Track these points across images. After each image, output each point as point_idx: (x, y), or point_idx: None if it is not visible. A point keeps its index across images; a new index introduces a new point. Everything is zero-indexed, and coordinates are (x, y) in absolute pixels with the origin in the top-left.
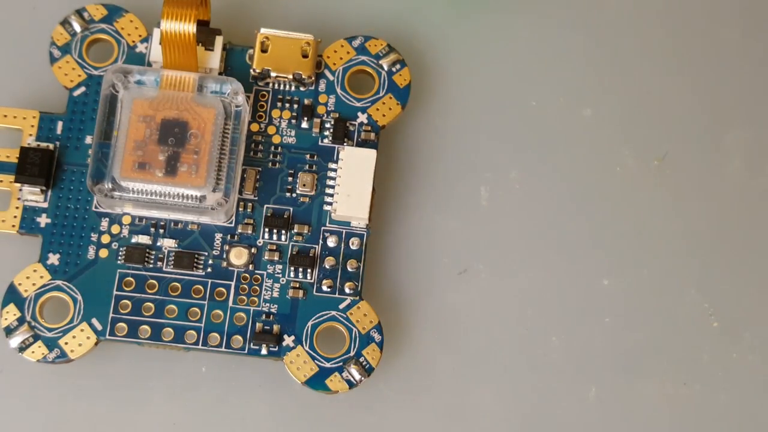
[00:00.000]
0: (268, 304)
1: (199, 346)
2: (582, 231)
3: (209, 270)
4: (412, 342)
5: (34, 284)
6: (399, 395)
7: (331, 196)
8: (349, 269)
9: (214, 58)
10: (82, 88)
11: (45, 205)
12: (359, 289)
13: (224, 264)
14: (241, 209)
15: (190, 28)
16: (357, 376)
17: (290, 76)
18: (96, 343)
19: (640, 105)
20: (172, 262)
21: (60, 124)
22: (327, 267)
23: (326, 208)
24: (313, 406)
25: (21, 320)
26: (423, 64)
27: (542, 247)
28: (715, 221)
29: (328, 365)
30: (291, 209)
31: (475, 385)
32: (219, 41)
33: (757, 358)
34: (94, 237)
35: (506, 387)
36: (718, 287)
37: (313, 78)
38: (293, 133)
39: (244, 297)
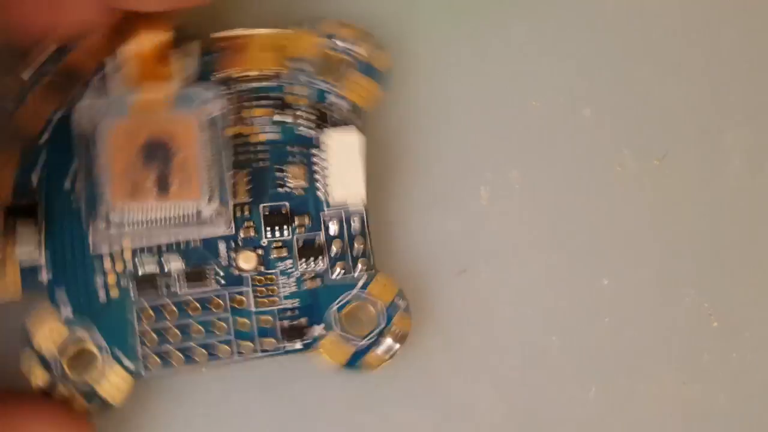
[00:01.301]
0: (288, 300)
1: (235, 358)
2: (582, 231)
3: (222, 281)
4: (411, 342)
5: (54, 342)
6: (399, 395)
7: (324, 183)
8: (357, 247)
9: (182, 68)
10: (47, 135)
11: (42, 261)
12: (372, 263)
13: (235, 272)
14: (238, 214)
15: (152, 42)
16: (393, 345)
17: (258, 73)
18: (133, 383)
19: (640, 105)
20: (185, 283)
21: (35, 176)
22: (335, 251)
23: (321, 195)
24: (312, 405)
25: (53, 381)
26: (423, 63)
27: (542, 247)
28: (715, 221)
29: (362, 343)
30: (287, 203)
31: (475, 385)
32: (188, 49)
33: (757, 358)
34: (100, 280)
35: (506, 387)
36: (718, 287)
37: (283, 70)
38: (273, 128)
39: (264, 299)
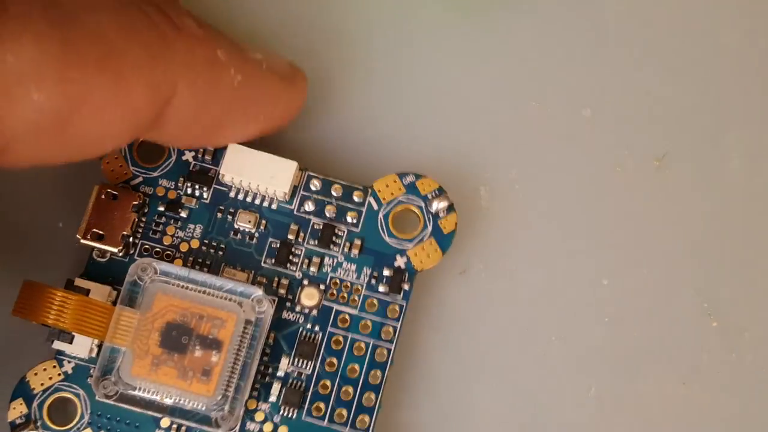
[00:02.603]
0: (362, 276)
1: (394, 346)
2: (582, 231)
3: (320, 329)
4: (411, 342)
5: None
6: (399, 395)
7: (264, 198)
8: (337, 192)
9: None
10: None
11: None
12: (361, 186)
13: (315, 312)
14: (263, 282)
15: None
16: (441, 204)
17: (124, 235)
18: None
19: (640, 105)
20: (307, 363)
21: None
22: (332, 213)
23: (276, 204)
24: None
25: None
26: (423, 63)
27: (542, 247)
28: (714, 221)
29: (428, 228)
30: (271, 239)
31: (475, 385)
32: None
33: (757, 358)
34: (255, 427)
35: (506, 387)
36: (717, 287)
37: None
38: (196, 222)
39: (353, 297)
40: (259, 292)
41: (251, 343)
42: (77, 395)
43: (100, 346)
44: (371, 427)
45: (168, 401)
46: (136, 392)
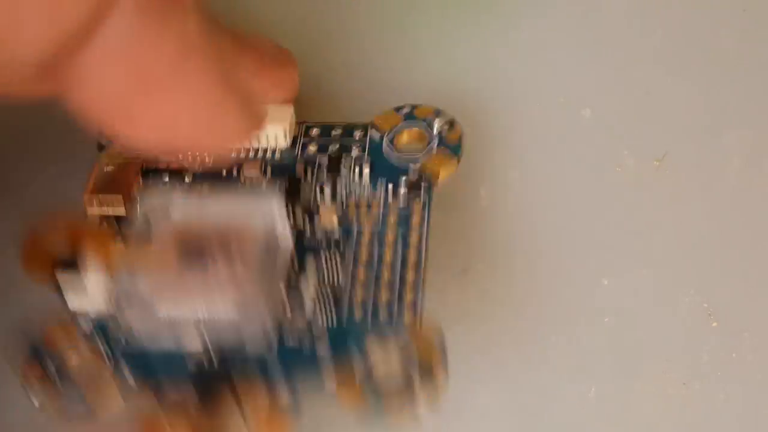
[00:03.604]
0: (378, 189)
1: (425, 234)
2: (581, 231)
3: (342, 245)
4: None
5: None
6: None
7: (266, 151)
8: (336, 132)
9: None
10: None
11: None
12: (361, 122)
13: (340, 233)
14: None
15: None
16: (444, 124)
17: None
18: None
19: (640, 105)
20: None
21: None
22: (336, 148)
23: (279, 154)
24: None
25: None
26: (424, 63)
27: (542, 247)
28: (715, 221)
29: (434, 140)
30: (279, 180)
31: (475, 385)
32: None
33: (757, 358)
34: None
35: (506, 387)
36: (717, 287)
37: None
38: (199, 175)
39: (378, 210)
40: (271, 194)
41: (276, 252)
42: (103, 351)
43: (113, 304)
44: (418, 319)
45: (197, 316)
46: (163, 315)
